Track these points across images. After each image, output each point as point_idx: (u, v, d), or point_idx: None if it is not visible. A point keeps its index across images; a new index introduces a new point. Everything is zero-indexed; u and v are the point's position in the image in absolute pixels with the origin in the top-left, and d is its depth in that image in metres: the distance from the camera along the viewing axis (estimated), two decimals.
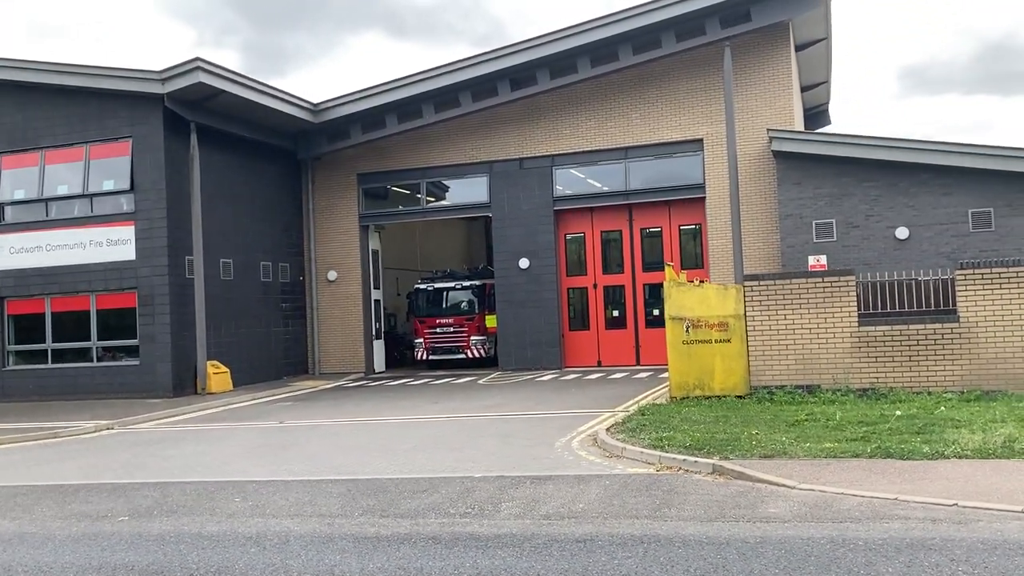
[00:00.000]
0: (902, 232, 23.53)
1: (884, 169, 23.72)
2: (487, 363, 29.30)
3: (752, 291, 15.81)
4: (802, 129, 29.69)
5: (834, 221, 24.04)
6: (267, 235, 27.95)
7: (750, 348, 15.76)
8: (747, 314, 15.79)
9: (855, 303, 15.38)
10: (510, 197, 27.79)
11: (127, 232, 23.97)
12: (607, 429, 13.36)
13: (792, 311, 15.56)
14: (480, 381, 25.03)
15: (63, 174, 24.84)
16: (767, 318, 15.68)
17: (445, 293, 30.21)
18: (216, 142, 25.48)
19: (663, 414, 14.17)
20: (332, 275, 29.49)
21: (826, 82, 34.73)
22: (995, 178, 22.91)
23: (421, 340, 29.91)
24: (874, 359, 15.20)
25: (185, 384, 23.92)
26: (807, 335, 15.49)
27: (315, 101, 27.51)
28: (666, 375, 23.18)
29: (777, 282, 15.73)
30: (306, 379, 27.78)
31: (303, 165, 29.60)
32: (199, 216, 23.98)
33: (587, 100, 27.00)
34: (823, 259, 24.02)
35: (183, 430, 17.61)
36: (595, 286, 27.71)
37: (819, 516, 8.21)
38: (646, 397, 18.44)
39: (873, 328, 15.28)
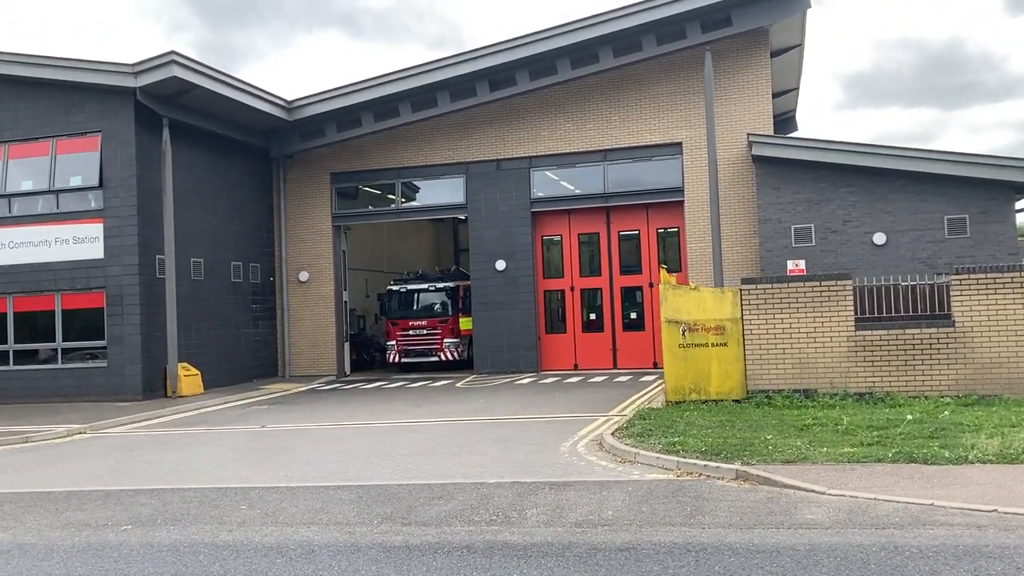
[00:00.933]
0: (879, 238, 23.70)
1: (862, 175, 23.88)
2: (460, 366, 28.94)
3: (749, 294, 15.70)
4: (778, 134, 29.78)
5: (812, 226, 24.14)
6: (238, 234, 27.29)
7: (747, 352, 15.66)
8: (744, 317, 15.68)
9: (852, 307, 15.35)
10: (487, 198, 27.50)
11: (95, 230, 23.18)
12: (612, 433, 13.13)
13: (789, 315, 15.49)
14: (458, 384, 24.69)
15: (27, 169, 23.95)
16: (764, 322, 15.59)
17: (418, 295, 29.79)
18: (187, 138, 24.80)
19: (665, 418, 13.97)
20: (303, 276, 28.90)
21: (795, 89, 34.99)
22: (970, 185, 23.18)
23: (393, 342, 29.42)
24: (871, 363, 15.19)
25: (155, 387, 23.19)
26: (804, 339, 15.43)
27: (289, 98, 26.94)
28: (647, 379, 23.17)
29: (774, 285, 15.65)
30: (277, 382, 27.17)
31: (275, 163, 28.98)
32: (171, 214, 23.27)
33: (566, 102, 26.82)
34: (801, 264, 24.10)
35: (162, 434, 17.00)
36: (572, 289, 27.53)
37: (859, 522, 8.04)
38: (637, 401, 18.25)
39: (870, 332, 15.27)
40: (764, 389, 15.58)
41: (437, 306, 29.61)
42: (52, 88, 23.49)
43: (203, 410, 21.11)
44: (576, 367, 27.14)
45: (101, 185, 23.12)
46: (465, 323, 29.28)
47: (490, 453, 12.76)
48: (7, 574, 7.62)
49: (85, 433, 17.61)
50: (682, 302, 15.93)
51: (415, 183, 29.03)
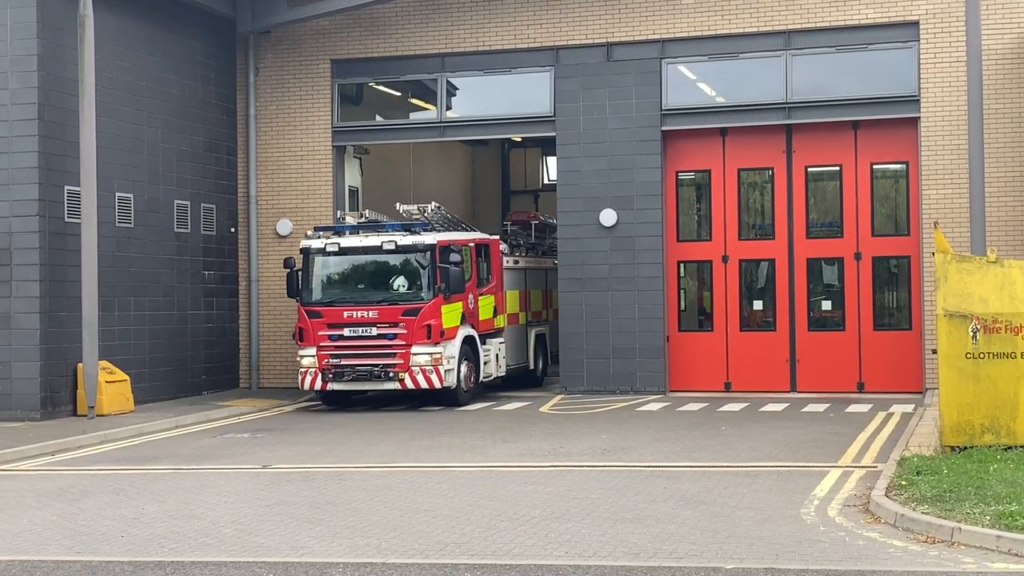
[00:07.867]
0: None
1: None
2: (444, 397, 25.59)
3: None
4: None
5: None
6: (183, 156, 27.40)
7: None
8: None
9: None
10: (588, 107, 27.50)
11: None
12: (886, 494, 13.07)
13: None
14: (542, 408, 25.00)
15: None
16: None
17: (361, 258, 26.23)
18: (110, 2, 24.76)
19: (962, 473, 13.86)
20: (285, 227, 29.02)
21: None
22: None
23: (312, 350, 25.46)
24: None
25: (60, 400, 23.37)
26: None
27: None
28: (857, 409, 23.21)
29: None
30: (242, 396, 27.46)
31: (243, 43, 29.11)
32: (91, 121, 23.20)
33: None
34: None
35: (108, 475, 17.18)
36: (725, 259, 27.48)
37: None
38: (872, 443, 18.48)
39: None
40: None
41: (399, 281, 25.96)
42: None
43: (147, 437, 21.42)
44: (728, 387, 27.08)
45: None
46: (452, 315, 25.42)
47: (689, 520, 12.69)
48: None
49: None
50: (975, 284, 15.78)
51: (468, 80, 29.07)
